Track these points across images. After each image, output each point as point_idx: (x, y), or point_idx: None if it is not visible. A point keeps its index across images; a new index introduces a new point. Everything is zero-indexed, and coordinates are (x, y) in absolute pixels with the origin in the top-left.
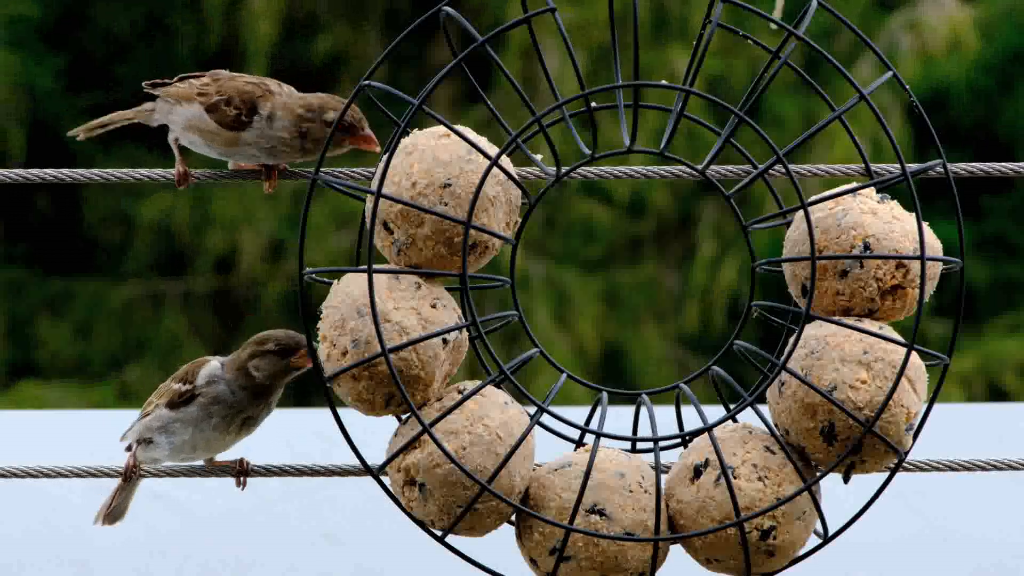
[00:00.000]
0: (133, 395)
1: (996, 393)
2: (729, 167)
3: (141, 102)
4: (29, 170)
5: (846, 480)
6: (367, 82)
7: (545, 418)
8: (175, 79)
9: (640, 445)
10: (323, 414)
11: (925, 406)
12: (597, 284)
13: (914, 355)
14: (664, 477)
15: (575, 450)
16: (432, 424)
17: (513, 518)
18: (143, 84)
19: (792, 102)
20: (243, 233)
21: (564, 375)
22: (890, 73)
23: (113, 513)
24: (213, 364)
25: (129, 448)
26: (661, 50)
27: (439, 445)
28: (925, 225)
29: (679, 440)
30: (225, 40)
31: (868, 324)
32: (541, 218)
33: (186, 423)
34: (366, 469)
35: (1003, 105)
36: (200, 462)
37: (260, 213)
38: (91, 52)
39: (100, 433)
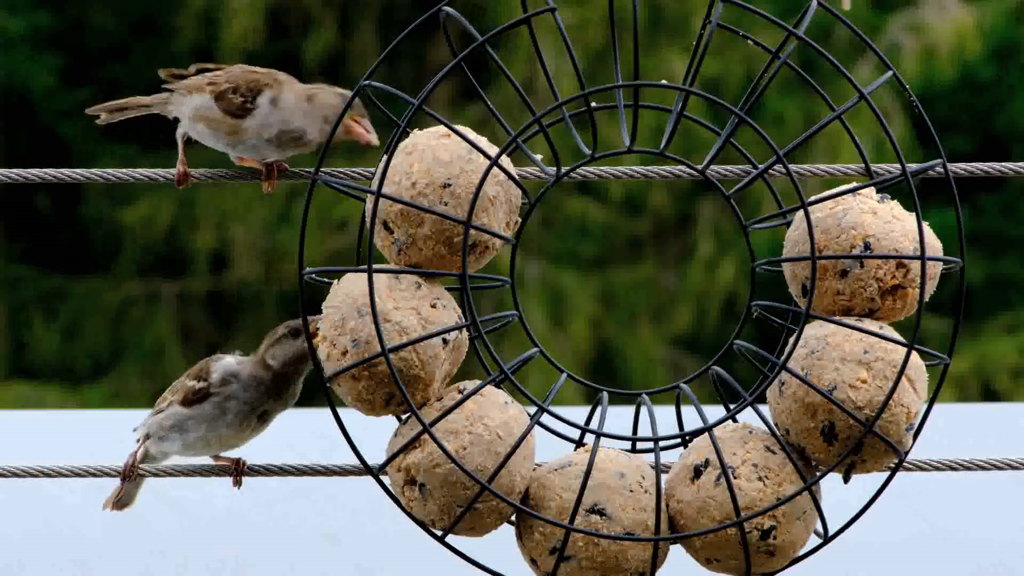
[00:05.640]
0: (124, 396)
1: (989, 394)
2: (729, 167)
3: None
4: (29, 170)
5: (846, 480)
6: (367, 82)
7: (545, 418)
8: (193, 71)
9: (640, 445)
10: (323, 414)
11: (925, 406)
12: (594, 284)
13: (914, 355)
14: (664, 477)
15: (575, 450)
16: (432, 424)
17: (513, 518)
18: (160, 72)
19: (793, 102)
20: (238, 233)
21: (564, 375)
22: (890, 73)
23: (122, 500)
24: (228, 360)
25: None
26: (658, 53)
27: (439, 445)
28: (925, 225)
29: (679, 440)
30: (222, 39)
31: (868, 324)
32: (538, 218)
33: (200, 421)
34: (366, 469)
35: (1001, 104)
36: (203, 460)
37: (256, 212)
38: (87, 50)
39: (99, 433)
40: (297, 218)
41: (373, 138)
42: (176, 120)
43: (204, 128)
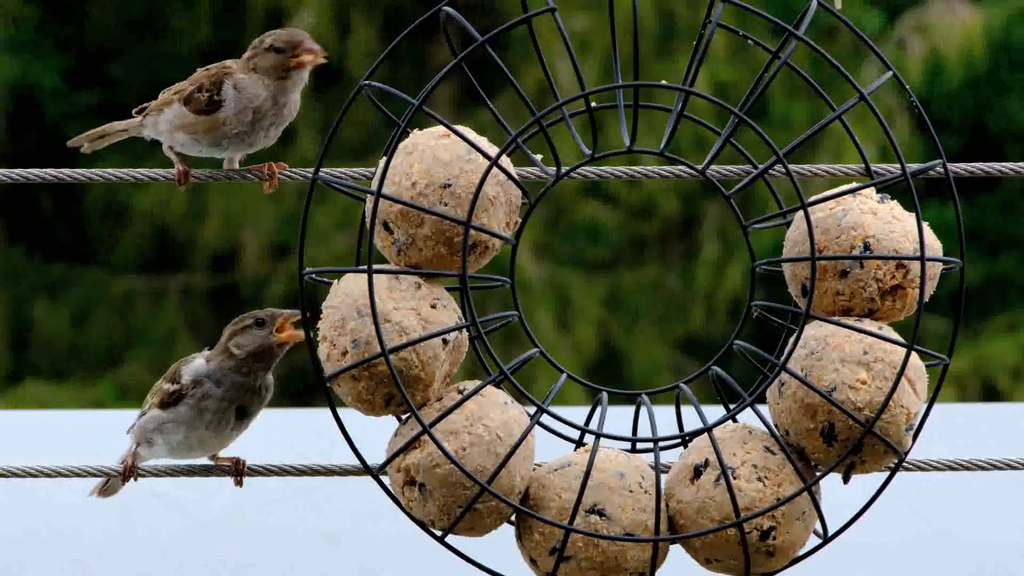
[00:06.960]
0: (132, 392)
1: (989, 393)
2: (729, 167)
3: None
4: (29, 170)
5: (846, 480)
6: (367, 82)
7: (545, 418)
8: (160, 95)
9: (640, 445)
10: (323, 414)
11: (925, 406)
12: (600, 286)
13: (914, 355)
14: (664, 477)
15: (575, 450)
16: (432, 424)
17: (513, 518)
18: (132, 112)
19: (800, 104)
20: (245, 231)
21: (564, 375)
22: (890, 73)
23: (108, 488)
24: (198, 362)
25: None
26: (672, 59)
27: (439, 445)
28: (925, 225)
29: (679, 440)
30: (222, 39)
31: (868, 324)
32: (544, 219)
33: (179, 423)
34: (366, 469)
35: (1000, 104)
36: (202, 460)
37: (262, 212)
38: (90, 52)
39: (100, 433)
40: (316, 216)
41: (318, 57)
42: (158, 141)
43: (184, 136)
